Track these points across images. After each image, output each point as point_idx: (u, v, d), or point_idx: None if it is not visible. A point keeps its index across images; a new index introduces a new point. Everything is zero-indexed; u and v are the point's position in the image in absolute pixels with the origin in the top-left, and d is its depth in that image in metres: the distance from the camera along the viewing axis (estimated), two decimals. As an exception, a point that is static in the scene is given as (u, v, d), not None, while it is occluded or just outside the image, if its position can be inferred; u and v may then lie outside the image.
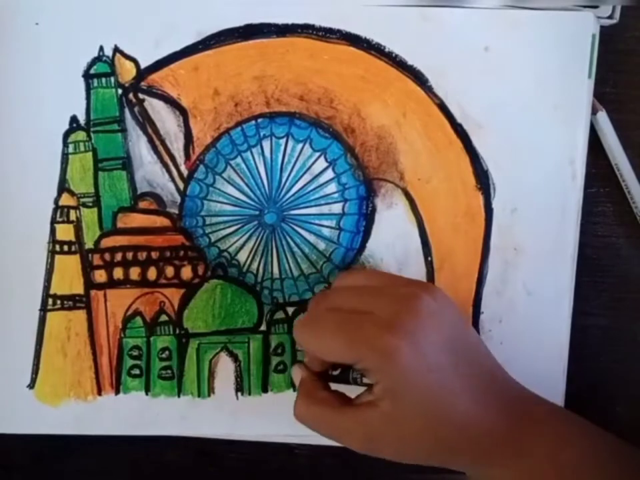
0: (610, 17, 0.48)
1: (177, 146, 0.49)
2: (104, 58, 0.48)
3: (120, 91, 0.49)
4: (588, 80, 0.48)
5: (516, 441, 0.40)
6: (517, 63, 0.48)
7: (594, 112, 0.49)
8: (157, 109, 0.49)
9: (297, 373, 0.45)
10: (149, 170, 0.49)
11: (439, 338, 0.41)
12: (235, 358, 0.49)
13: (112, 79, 0.48)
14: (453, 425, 0.40)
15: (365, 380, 0.42)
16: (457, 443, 0.41)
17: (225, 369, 0.49)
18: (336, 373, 0.44)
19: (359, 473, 0.52)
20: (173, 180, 0.49)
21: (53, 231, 0.48)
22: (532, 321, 0.49)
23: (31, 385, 0.49)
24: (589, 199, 0.50)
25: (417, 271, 0.49)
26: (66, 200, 0.48)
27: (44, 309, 0.49)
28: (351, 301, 0.42)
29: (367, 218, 0.49)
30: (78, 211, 0.49)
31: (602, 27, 0.48)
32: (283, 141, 0.49)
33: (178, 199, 0.49)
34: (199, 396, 0.49)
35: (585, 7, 0.48)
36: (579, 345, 0.50)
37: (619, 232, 0.51)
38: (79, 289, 0.49)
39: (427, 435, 0.40)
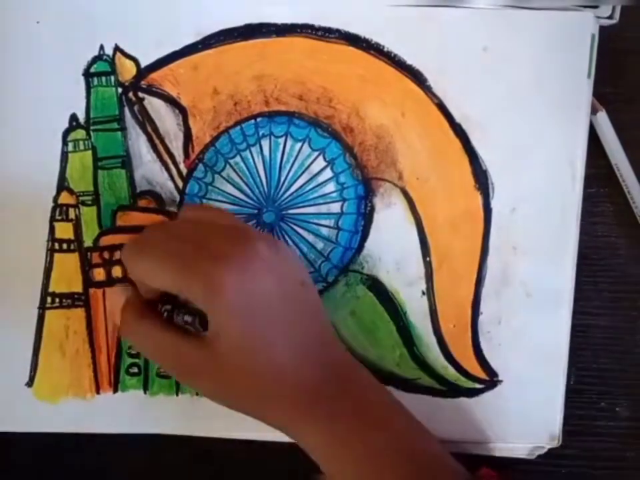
0: (610, 17, 0.48)
1: (176, 145, 0.49)
2: (104, 57, 0.48)
3: (120, 90, 0.49)
4: (587, 80, 0.48)
5: (330, 403, 0.41)
6: (516, 63, 0.48)
7: (594, 112, 0.49)
8: (157, 108, 0.49)
9: (118, 294, 0.46)
10: (149, 168, 0.49)
11: (269, 286, 0.41)
12: (233, 357, 0.49)
13: (112, 77, 0.49)
14: (270, 374, 0.40)
15: (189, 326, 0.42)
16: (271, 395, 0.41)
17: (224, 367, 0.49)
18: (167, 307, 0.43)
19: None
20: (172, 179, 0.49)
21: (52, 229, 0.48)
22: (531, 322, 0.49)
23: (30, 383, 0.49)
24: (589, 199, 0.50)
25: (416, 271, 0.49)
26: (65, 198, 0.49)
27: (43, 307, 0.49)
28: (185, 231, 0.42)
29: (366, 217, 0.49)
30: (77, 209, 0.49)
31: (602, 27, 0.48)
32: (281, 140, 0.49)
33: (177, 197, 0.49)
34: (197, 394, 0.49)
35: (584, 7, 0.47)
36: (579, 345, 0.49)
37: (618, 232, 0.50)
38: (77, 287, 0.49)
39: (241, 378, 0.41)
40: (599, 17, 0.47)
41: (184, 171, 0.49)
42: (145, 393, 0.49)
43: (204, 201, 0.49)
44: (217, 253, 0.40)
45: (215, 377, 0.41)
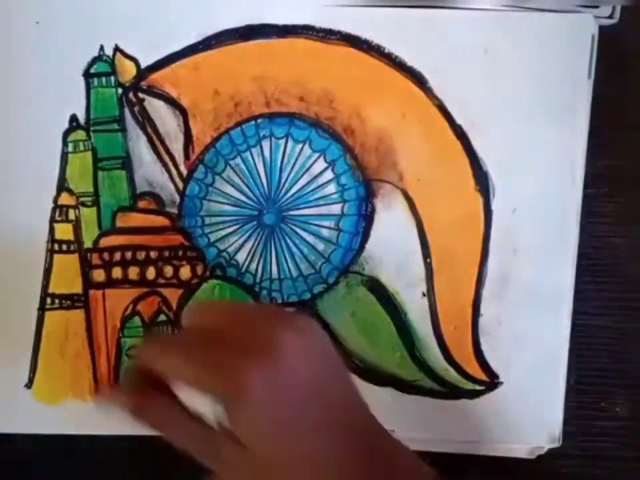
0: (610, 17, 0.48)
1: (176, 146, 0.49)
2: (104, 57, 0.48)
3: (120, 91, 0.49)
4: (588, 80, 0.48)
5: None
6: (517, 65, 0.48)
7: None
8: (157, 109, 0.49)
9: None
10: (149, 169, 0.49)
11: (298, 381, 0.36)
12: (233, 358, 0.49)
13: (112, 78, 0.48)
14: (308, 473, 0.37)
15: None
16: None
17: (224, 369, 0.49)
18: None
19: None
20: (172, 180, 0.49)
21: (51, 230, 0.48)
22: (532, 323, 0.49)
23: (29, 385, 0.49)
24: (589, 199, 0.49)
25: (416, 273, 0.49)
26: (65, 199, 0.48)
27: (42, 308, 0.49)
28: (203, 338, 0.38)
29: (366, 219, 0.49)
30: (77, 210, 0.49)
31: (602, 27, 0.48)
32: (282, 142, 0.49)
33: (177, 198, 0.49)
34: (197, 395, 0.49)
35: (584, 7, 0.48)
36: (579, 345, 0.50)
37: (618, 232, 0.50)
38: (77, 288, 0.49)
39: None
40: (599, 17, 0.47)
41: (184, 172, 0.49)
42: (145, 394, 0.49)
43: (204, 202, 0.49)
44: (239, 358, 0.35)
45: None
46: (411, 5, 0.48)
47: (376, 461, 0.38)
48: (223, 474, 0.39)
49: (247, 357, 0.35)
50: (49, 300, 0.49)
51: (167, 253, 0.49)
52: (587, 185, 0.49)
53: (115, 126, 0.49)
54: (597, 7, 0.48)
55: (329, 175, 0.49)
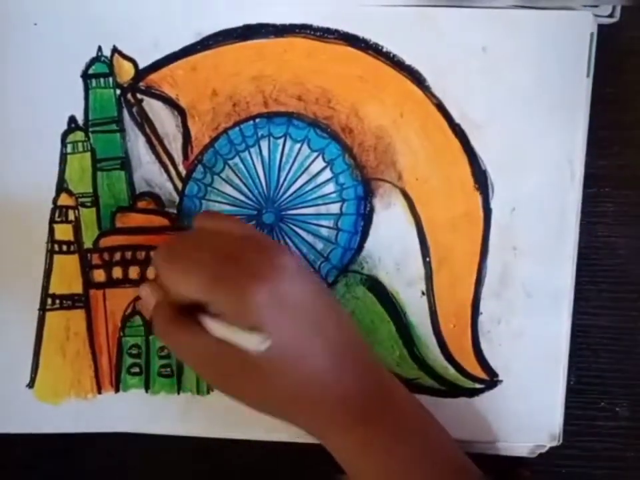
0: (610, 16, 0.47)
1: (175, 146, 0.49)
2: (102, 58, 0.48)
3: (118, 91, 0.49)
4: (586, 79, 0.48)
5: (369, 413, 0.41)
6: (515, 63, 0.48)
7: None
8: (155, 109, 0.49)
9: (147, 295, 0.45)
10: (148, 170, 0.49)
11: (300, 296, 0.41)
12: (233, 357, 0.49)
13: (110, 79, 0.49)
14: (310, 384, 0.41)
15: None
16: (310, 404, 0.41)
17: (224, 368, 0.49)
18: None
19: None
20: (171, 180, 0.49)
21: (51, 231, 0.49)
22: (531, 322, 0.48)
23: (30, 385, 0.49)
24: (589, 199, 0.49)
25: (415, 272, 0.49)
26: (64, 200, 0.49)
27: (43, 309, 0.49)
28: (215, 242, 0.42)
29: (365, 218, 0.49)
30: (77, 211, 0.49)
31: (602, 27, 0.48)
32: (280, 141, 0.49)
33: (176, 198, 0.49)
34: (198, 393, 0.49)
35: (585, 6, 0.47)
36: (579, 345, 0.49)
37: (618, 232, 0.50)
38: (77, 288, 0.49)
39: (278, 388, 0.41)
40: (599, 16, 0.47)
41: (183, 172, 0.49)
42: (147, 392, 0.49)
43: (203, 202, 0.49)
44: (248, 266, 0.40)
45: (245, 383, 0.41)
46: (413, 5, 0.48)
47: (371, 384, 0.42)
48: (228, 386, 0.43)
49: (254, 274, 0.40)
50: (49, 300, 0.49)
51: (166, 253, 0.49)
52: (586, 185, 0.49)
53: (114, 127, 0.49)
54: (596, 6, 0.47)
55: (327, 174, 0.49)
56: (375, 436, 0.41)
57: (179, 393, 0.49)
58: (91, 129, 0.49)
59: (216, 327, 0.40)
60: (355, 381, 0.42)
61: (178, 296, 0.42)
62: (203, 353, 0.41)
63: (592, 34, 0.47)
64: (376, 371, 0.43)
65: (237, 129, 0.49)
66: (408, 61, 0.48)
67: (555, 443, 0.49)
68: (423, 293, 0.49)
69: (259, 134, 0.49)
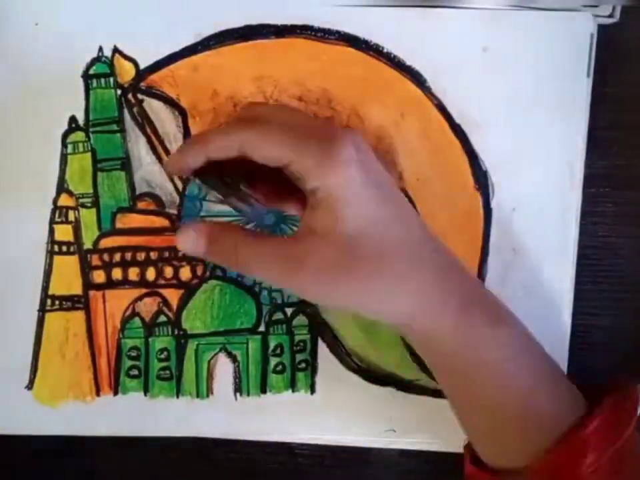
0: (610, 16, 0.48)
1: (175, 146, 0.49)
2: (103, 58, 0.48)
3: (119, 92, 0.49)
4: (586, 79, 0.48)
5: (461, 295, 0.40)
6: (516, 63, 0.48)
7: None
8: (156, 110, 0.49)
9: (189, 235, 0.41)
10: (148, 170, 0.49)
11: (377, 177, 0.39)
12: (233, 359, 0.49)
13: (111, 79, 0.49)
14: (403, 264, 0.38)
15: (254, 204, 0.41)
16: (399, 288, 0.39)
17: (224, 369, 0.49)
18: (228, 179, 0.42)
19: (359, 473, 0.52)
20: (171, 180, 0.49)
21: (51, 232, 0.48)
22: (531, 322, 0.48)
23: (30, 386, 0.49)
24: (589, 199, 0.49)
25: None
26: (65, 200, 0.49)
27: (42, 310, 0.49)
28: (298, 113, 0.42)
29: (366, 218, 0.49)
30: (77, 212, 0.49)
31: (602, 27, 0.48)
32: (281, 141, 0.49)
33: (177, 199, 0.49)
34: (197, 396, 0.49)
35: (585, 6, 0.47)
36: (579, 345, 0.49)
37: (618, 232, 0.50)
38: (77, 289, 0.49)
39: (368, 269, 0.38)
40: (599, 16, 0.47)
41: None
42: (145, 395, 0.49)
43: (204, 203, 0.49)
44: (328, 126, 0.40)
45: (328, 269, 0.38)
46: (413, 5, 0.48)
47: (448, 271, 0.40)
48: (302, 278, 0.38)
49: (339, 139, 0.38)
50: (49, 301, 0.49)
51: (166, 254, 0.49)
52: (586, 185, 0.49)
53: (114, 127, 0.49)
54: (596, 6, 0.48)
55: (328, 174, 0.49)
56: (479, 316, 0.40)
57: (178, 397, 0.49)
58: (91, 129, 0.49)
59: None
60: (449, 265, 0.40)
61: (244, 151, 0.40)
62: (264, 252, 0.39)
63: (592, 34, 0.47)
64: (450, 256, 0.41)
65: (237, 129, 0.49)
66: (408, 62, 0.48)
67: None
68: (424, 294, 0.49)
69: (260, 134, 0.49)
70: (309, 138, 0.38)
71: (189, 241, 0.41)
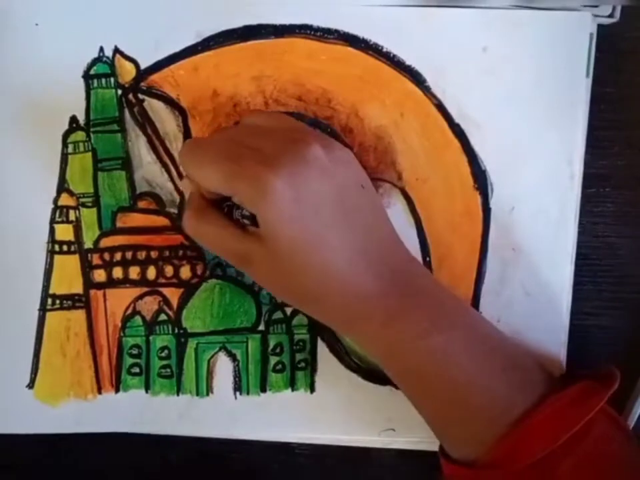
0: (610, 16, 0.47)
1: (176, 146, 0.49)
2: (104, 59, 0.49)
3: (120, 92, 0.49)
4: (586, 79, 0.48)
5: (398, 306, 0.41)
6: (515, 63, 0.48)
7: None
8: (157, 110, 0.49)
9: (186, 185, 0.46)
10: (148, 170, 0.49)
11: (322, 189, 0.40)
12: (233, 357, 0.49)
13: (112, 79, 0.49)
14: (325, 277, 0.41)
15: (246, 220, 0.42)
16: (325, 298, 0.41)
17: (224, 368, 0.49)
18: (228, 203, 0.43)
19: (359, 473, 0.52)
20: (172, 180, 0.49)
21: (52, 231, 0.49)
22: (530, 321, 0.48)
23: (31, 385, 0.49)
24: (589, 199, 0.49)
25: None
26: (65, 200, 0.49)
27: (43, 309, 0.49)
28: (241, 135, 0.42)
29: (365, 218, 0.49)
30: (77, 211, 0.49)
31: (602, 27, 0.48)
32: (281, 141, 0.49)
33: (177, 198, 0.49)
34: (197, 395, 0.49)
35: (584, 6, 0.47)
36: (579, 345, 0.49)
37: (618, 232, 0.50)
38: (78, 288, 0.49)
39: (293, 278, 0.41)
40: (599, 16, 0.47)
41: (184, 172, 0.49)
42: (147, 392, 0.49)
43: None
44: (268, 157, 0.40)
45: (270, 274, 0.42)
46: (413, 5, 0.48)
47: (399, 279, 0.42)
48: (251, 271, 0.43)
49: (273, 164, 0.39)
50: (49, 300, 0.49)
51: (167, 253, 0.49)
52: (586, 185, 0.49)
53: (115, 127, 0.49)
54: (596, 6, 0.47)
55: (327, 174, 0.49)
56: (407, 331, 0.41)
57: (178, 394, 0.49)
58: (92, 129, 0.49)
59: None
60: (375, 280, 0.41)
61: (206, 191, 0.43)
62: (228, 244, 0.42)
63: (591, 34, 0.47)
64: (403, 271, 0.43)
65: (237, 129, 0.49)
66: (408, 61, 0.48)
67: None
68: (423, 293, 0.49)
69: (260, 134, 0.49)
70: (241, 178, 0.40)
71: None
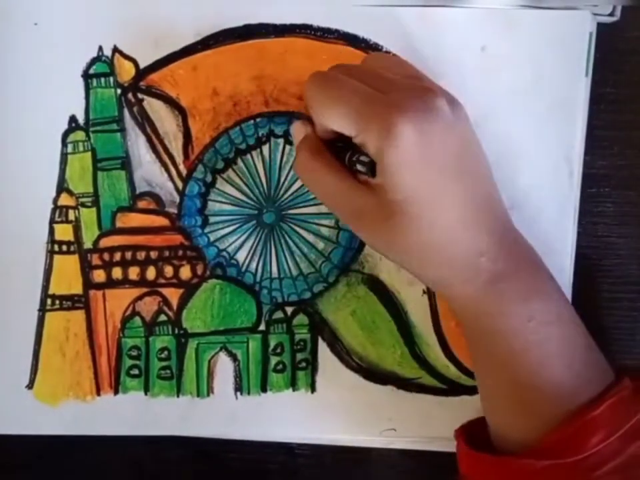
0: (611, 14, 0.47)
1: (175, 145, 0.49)
2: (103, 58, 0.48)
3: (119, 91, 0.49)
4: (585, 78, 0.48)
5: (493, 268, 0.41)
6: (515, 62, 0.48)
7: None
8: (156, 109, 0.49)
9: (299, 128, 0.45)
10: (148, 169, 0.49)
11: (445, 143, 0.40)
12: (233, 358, 0.49)
13: (111, 78, 0.49)
14: (435, 234, 0.40)
15: (361, 167, 0.42)
16: (433, 255, 0.41)
17: (224, 368, 0.49)
18: (340, 144, 0.43)
19: (359, 473, 0.52)
20: (171, 179, 0.49)
21: (51, 231, 0.49)
22: None
23: (30, 385, 0.49)
24: (589, 199, 0.49)
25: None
26: (65, 200, 0.49)
27: (43, 309, 0.49)
28: (368, 77, 0.42)
29: (366, 217, 0.49)
30: (77, 211, 0.49)
31: (602, 27, 0.48)
32: (281, 141, 0.49)
33: (177, 198, 0.49)
34: (198, 396, 0.49)
35: (585, 5, 0.47)
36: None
37: (618, 232, 0.50)
38: (77, 289, 0.49)
39: (402, 232, 0.40)
40: (599, 15, 0.47)
41: (183, 171, 0.49)
42: (146, 394, 0.49)
43: (204, 201, 0.49)
44: (398, 102, 0.39)
45: (377, 226, 0.41)
46: (413, 5, 0.48)
47: (505, 237, 0.42)
48: (358, 225, 0.43)
49: (403, 109, 0.39)
50: (49, 301, 0.49)
51: (167, 253, 0.49)
52: (586, 185, 0.49)
53: (114, 126, 0.49)
54: (596, 6, 0.47)
55: (328, 174, 0.49)
56: (508, 292, 0.41)
57: (178, 396, 0.49)
58: (91, 129, 0.49)
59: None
60: (487, 238, 0.41)
61: (324, 130, 0.43)
62: (338, 189, 0.42)
63: (590, 33, 0.47)
64: (510, 231, 0.43)
65: (237, 128, 0.49)
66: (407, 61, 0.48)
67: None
68: (424, 292, 0.49)
69: (260, 133, 0.49)
70: (370, 117, 0.39)
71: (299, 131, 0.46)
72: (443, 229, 0.40)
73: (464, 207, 0.41)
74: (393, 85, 0.41)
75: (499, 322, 0.41)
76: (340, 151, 0.43)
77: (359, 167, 0.42)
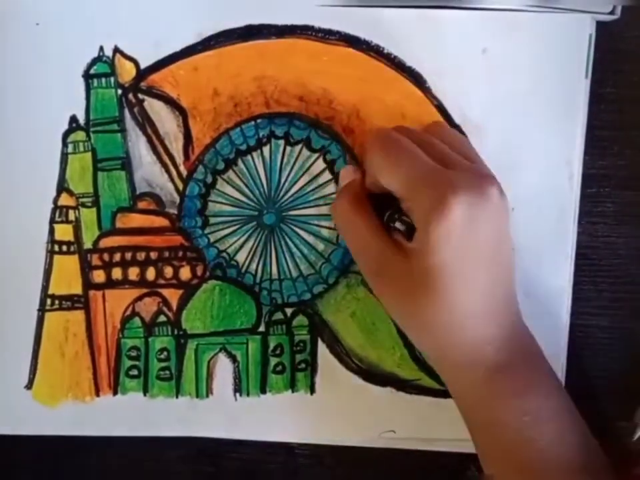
0: (611, 13, 0.47)
1: (176, 146, 0.49)
2: (104, 58, 0.48)
3: (120, 91, 0.49)
4: (585, 80, 0.48)
5: (495, 360, 0.42)
6: (515, 64, 0.48)
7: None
8: (157, 109, 0.49)
9: (348, 173, 0.46)
10: (148, 170, 0.49)
11: (487, 231, 0.41)
12: (233, 359, 0.49)
13: (112, 79, 0.49)
14: (452, 316, 0.41)
15: (400, 226, 0.43)
16: (446, 335, 0.42)
17: (224, 369, 0.49)
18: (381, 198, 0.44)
19: (359, 473, 0.51)
20: (172, 180, 0.49)
21: (51, 231, 0.48)
22: (530, 321, 0.48)
23: (29, 386, 0.49)
24: (589, 199, 0.50)
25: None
26: (65, 200, 0.49)
27: (42, 309, 0.49)
28: (432, 148, 0.43)
29: (366, 218, 0.49)
30: (77, 211, 0.49)
31: (602, 27, 0.48)
32: (282, 142, 0.49)
33: (177, 199, 0.49)
34: (197, 397, 0.49)
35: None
36: (579, 345, 0.49)
37: (619, 232, 0.50)
38: (77, 289, 0.49)
39: (425, 306, 0.41)
40: (599, 13, 0.47)
41: (184, 172, 0.49)
42: (145, 395, 0.49)
43: (204, 202, 0.49)
44: (457, 180, 0.40)
45: (400, 291, 0.42)
46: (413, 6, 0.48)
47: (512, 331, 0.43)
48: (378, 283, 0.44)
49: (459, 189, 0.40)
50: (48, 301, 0.49)
51: (166, 254, 0.49)
52: (586, 185, 0.49)
53: (115, 127, 0.49)
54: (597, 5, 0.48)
55: (328, 174, 0.49)
56: (505, 384, 0.42)
57: (177, 397, 0.49)
58: (92, 129, 0.49)
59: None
60: (497, 329, 0.42)
61: (372, 183, 0.44)
62: (370, 243, 0.43)
63: (590, 35, 0.48)
64: (517, 326, 0.44)
65: (238, 129, 0.49)
66: (409, 63, 0.48)
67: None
68: (424, 294, 0.49)
69: (260, 134, 0.49)
70: (426, 187, 0.40)
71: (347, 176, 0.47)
72: (463, 312, 0.41)
73: (486, 296, 0.42)
74: (454, 163, 0.42)
75: (494, 414, 0.42)
76: (379, 204, 0.44)
77: (397, 224, 0.43)
